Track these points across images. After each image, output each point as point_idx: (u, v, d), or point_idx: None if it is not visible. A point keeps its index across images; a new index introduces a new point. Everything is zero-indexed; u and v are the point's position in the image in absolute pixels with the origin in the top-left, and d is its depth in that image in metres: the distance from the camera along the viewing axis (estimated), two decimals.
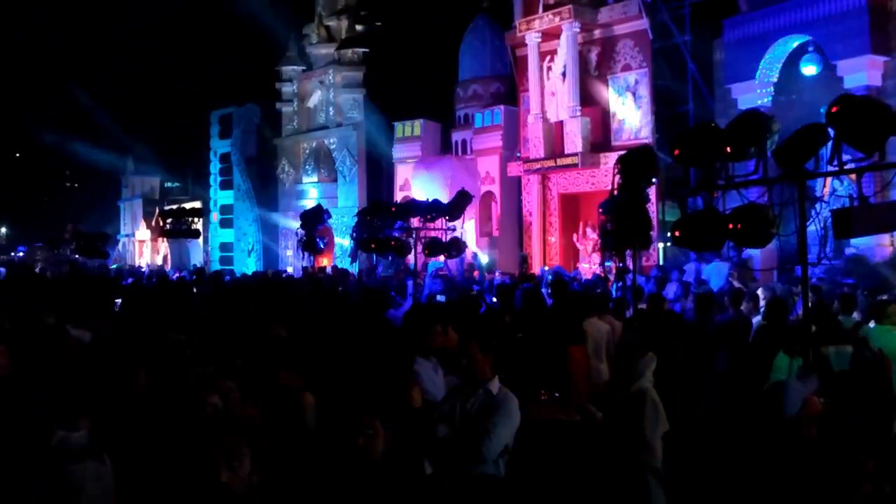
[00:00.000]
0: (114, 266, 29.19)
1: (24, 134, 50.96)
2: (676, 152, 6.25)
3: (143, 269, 29.44)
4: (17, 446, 4.17)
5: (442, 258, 16.80)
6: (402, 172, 26.63)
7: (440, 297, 16.08)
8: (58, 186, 65.61)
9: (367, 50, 28.21)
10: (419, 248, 14.74)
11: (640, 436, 5.21)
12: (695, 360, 7.57)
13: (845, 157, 5.36)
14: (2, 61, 51.41)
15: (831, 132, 5.28)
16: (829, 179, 12.28)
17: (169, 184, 41.40)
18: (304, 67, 30.13)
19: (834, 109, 5.17)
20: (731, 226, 5.63)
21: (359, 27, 28.87)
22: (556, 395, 7.54)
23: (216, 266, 30.86)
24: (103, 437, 4.23)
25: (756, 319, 9.04)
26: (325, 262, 25.75)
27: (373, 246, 16.62)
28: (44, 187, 64.19)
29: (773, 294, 10.13)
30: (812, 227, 5.78)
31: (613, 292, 12.21)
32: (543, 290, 12.77)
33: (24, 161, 62.08)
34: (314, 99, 29.92)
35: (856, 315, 8.69)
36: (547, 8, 20.92)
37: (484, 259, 23.06)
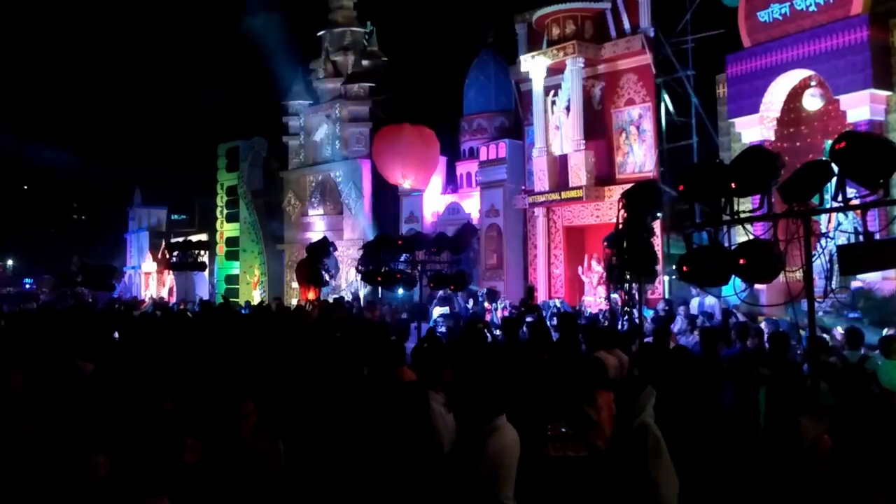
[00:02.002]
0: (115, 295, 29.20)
1: (32, 166, 51.40)
2: (681, 188, 6.30)
3: (142, 299, 29.51)
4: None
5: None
6: (408, 205, 26.77)
7: (441, 329, 16.10)
8: (65, 218, 65.95)
9: (373, 84, 28.55)
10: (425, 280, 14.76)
11: (643, 471, 5.17)
12: (702, 396, 7.53)
13: (850, 193, 5.40)
14: (10, 92, 52.06)
15: (835, 168, 5.32)
16: (833, 214, 12.30)
17: (175, 216, 41.60)
18: (310, 102, 30.48)
19: (838, 146, 5.22)
20: (736, 261, 5.65)
21: (365, 62, 29.27)
22: (563, 430, 7.51)
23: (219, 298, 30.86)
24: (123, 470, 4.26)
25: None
26: (310, 294, 25.75)
27: (379, 279, 16.66)
28: (51, 219, 64.54)
29: (777, 328, 10.12)
30: (817, 263, 5.79)
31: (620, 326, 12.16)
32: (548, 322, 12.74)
33: (32, 193, 62.55)
34: (320, 132, 30.19)
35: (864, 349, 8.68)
36: (551, 43, 21.17)
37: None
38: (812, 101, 16.18)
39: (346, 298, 23.79)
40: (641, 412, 5.35)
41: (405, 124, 23.39)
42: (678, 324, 13.25)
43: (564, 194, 20.74)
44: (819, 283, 8.92)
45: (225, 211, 33.67)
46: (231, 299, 28.34)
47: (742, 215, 5.90)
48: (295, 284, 28.88)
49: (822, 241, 6.03)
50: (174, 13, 52.67)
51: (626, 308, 10.86)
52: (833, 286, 11.54)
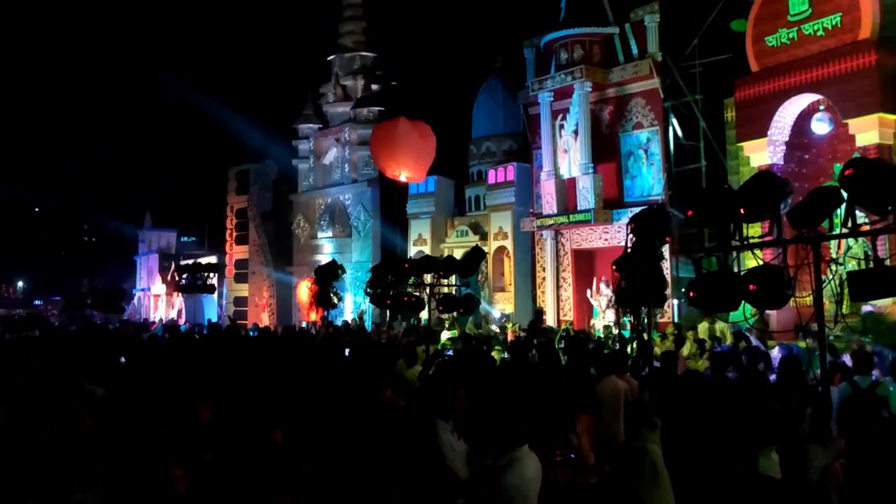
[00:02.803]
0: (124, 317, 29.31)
1: (43, 189, 51.86)
2: (690, 213, 6.31)
3: (153, 321, 29.61)
4: None
5: None
6: (416, 228, 26.84)
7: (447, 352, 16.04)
8: (75, 241, 66.32)
9: (382, 108, 28.74)
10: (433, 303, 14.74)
11: (636, 494, 5.15)
12: (712, 420, 7.48)
13: (860, 217, 5.40)
14: (24, 116, 52.62)
15: (844, 194, 5.32)
16: (843, 239, 12.28)
17: (185, 238, 41.81)
18: (320, 125, 30.71)
19: (847, 172, 5.22)
20: (746, 287, 5.64)
21: (374, 86, 29.51)
22: (572, 455, 7.47)
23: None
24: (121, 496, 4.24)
25: (772, 378, 8.96)
26: (312, 315, 25.87)
27: (388, 302, 16.67)
28: (61, 242, 64.92)
29: (790, 353, 10.07)
30: (827, 289, 5.77)
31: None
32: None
33: (43, 216, 62.99)
34: (330, 156, 30.38)
35: (875, 373, 8.60)
36: (559, 68, 21.30)
37: (497, 314, 23.05)
38: (820, 125, 16.20)
39: (351, 320, 23.83)
40: (642, 437, 5.35)
41: (401, 118, 23.54)
42: (688, 348, 13.19)
43: (573, 217, 20.75)
44: (829, 307, 8.88)
45: (234, 233, 33.82)
46: (239, 321, 28.42)
47: (751, 240, 5.90)
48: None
49: (832, 267, 6.01)
50: (185, 37, 53.27)
51: (635, 332, 10.82)
52: (843, 311, 11.48)
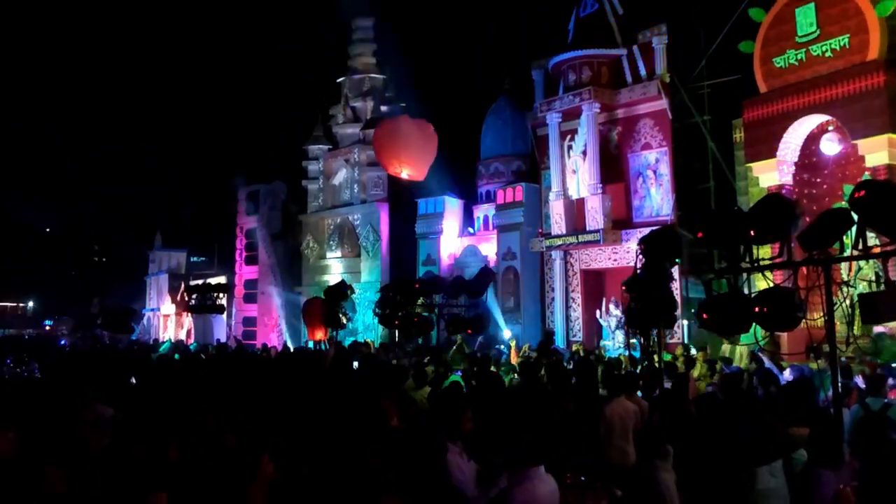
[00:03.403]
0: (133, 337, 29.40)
1: (54, 210, 52.28)
2: (700, 235, 6.31)
3: (161, 341, 29.63)
4: None
5: None
6: (425, 247, 26.89)
7: (455, 375, 16.00)
8: (86, 261, 66.65)
9: None
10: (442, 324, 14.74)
11: None
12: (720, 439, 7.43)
13: (871, 239, 5.39)
14: (36, 136, 53.15)
15: (855, 217, 5.32)
16: (854, 262, 12.23)
17: (195, 258, 41.97)
18: (329, 146, 30.92)
19: (858, 194, 5.22)
20: (757, 309, 5.62)
21: (383, 108, 29.71)
22: (583, 478, 7.42)
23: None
24: None
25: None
26: (318, 335, 25.82)
27: (396, 322, 16.66)
28: (72, 262, 65.25)
29: (801, 374, 10.00)
30: (839, 310, 5.75)
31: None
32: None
33: (53, 236, 63.41)
34: (339, 177, 30.55)
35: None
36: (567, 89, 21.41)
37: (507, 334, 22.98)
38: (830, 146, 16.20)
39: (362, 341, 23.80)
40: (653, 467, 5.33)
41: (404, 116, 23.68)
42: (698, 369, 13.11)
43: (581, 238, 20.76)
44: (840, 329, 8.83)
45: (244, 254, 33.95)
46: (247, 341, 28.47)
47: (762, 262, 5.89)
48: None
49: (844, 289, 6.00)
50: (197, 59, 53.78)
51: (646, 353, 10.78)
52: (855, 332, 11.41)
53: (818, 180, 16.93)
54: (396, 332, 19.19)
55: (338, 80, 31.07)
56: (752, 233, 5.72)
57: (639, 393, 9.04)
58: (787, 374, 10.54)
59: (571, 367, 14.30)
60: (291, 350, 21.46)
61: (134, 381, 12.27)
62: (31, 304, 67.02)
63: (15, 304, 67.90)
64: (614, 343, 19.30)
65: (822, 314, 5.59)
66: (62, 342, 34.73)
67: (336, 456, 5.37)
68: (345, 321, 19.88)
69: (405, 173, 23.88)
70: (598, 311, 21.21)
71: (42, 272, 61.33)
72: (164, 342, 28.34)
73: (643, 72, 20.44)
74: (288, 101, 30.37)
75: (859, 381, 10.84)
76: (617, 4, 21.50)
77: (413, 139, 22.92)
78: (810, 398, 7.74)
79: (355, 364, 14.93)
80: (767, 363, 12.23)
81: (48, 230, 64.32)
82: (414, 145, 23.01)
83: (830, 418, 6.21)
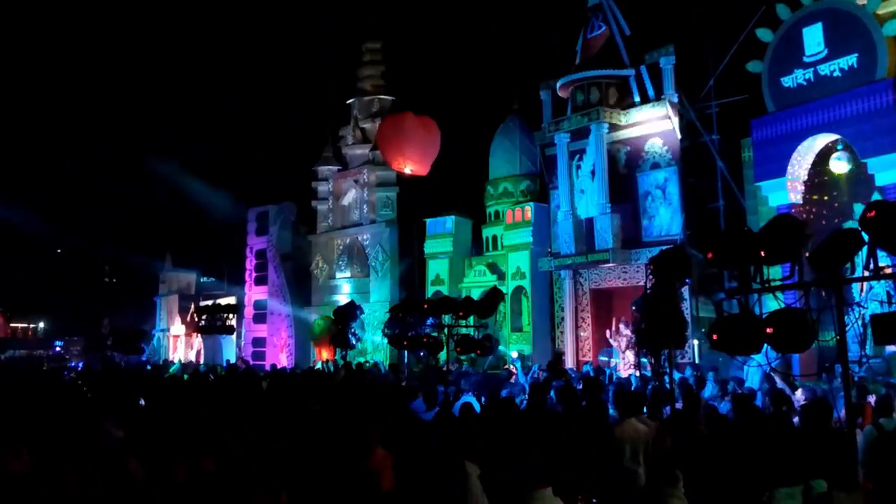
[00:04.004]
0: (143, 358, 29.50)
1: (65, 230, 52.57)
2: (710, 255, 6.30)
3: (171, 361, 29.73)
4: None
5: None
6: (434, 267, 26.91)
7: (468, 397, 15.94)
8: (96, 281, 66.94)
9: None
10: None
11: None
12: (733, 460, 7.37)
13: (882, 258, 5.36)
14: (46, 159, 53.63)
15: (865, 237, 5.30)
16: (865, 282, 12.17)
17: (205, 279, 42.12)
18: (339, 167, 31.12)
19: (868, 215, 5.21)
20: (768, 330, 5.60)
21: None
22: (594, 500, 7.38)
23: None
24: None
25: (795, 420, 8.84)
26: (324, 354, 25.94)
27: (405, 343, 16.65)
28: (82, 282, 65.53)
29: (814, 395, 9.93)
30: (851, 332, 5.72)
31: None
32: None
33: (64, 257, 63.72)
34: (349, 197, 30.69)
35: None
36: (575, 109, 21.48)
37: (514, 355, 22.91)
38: (839, 165, 16.16)
39: (372, 361, 23.78)
40: (663, 494, 5.29)
41: (408, 112, 23.80)
42: (709, 389, 13.02)
43: (591, 257, 20.73)
44: (852, 348, 8.78)
45: (254, 274, 34.06)
46: (257, 362, 28.49)
47: (773, 283, 5.88)
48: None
49: (855, 310, 5.97)
50: (208, 81, 54.30)
51: (656, 373, 10.73)
52: (867, 352, 11.34)
53: (828, 199, 16.88)
54: (405, 352, 19.22)
55: (347, 102, 31.32)
56: (762, 253, 5.71)
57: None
58: (800, 395, 10.47)
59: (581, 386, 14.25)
60: (299, 371, 21.44)
61: (143, 402, 12.30)
62: (42, 324, 67.29)
63: (26, 326, 68.22)
64: (624, 363, 19.19)
65: (833, 334, 5.56)
66: (72, 364, 34.85)
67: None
68: (354, 342, 19.93)
69: (408, 168, 24.04)
70: (607, 332, 21.12)
71: (53, 292, 61.60)
72: (173, 363, 28.42)
73: (651, 92, 20.49)
74: (297, 122, 30.61)
75: (871, 399, 10.77)
76: (624, 25, 21.61)
77: (417, 134, 23.12)
78: (826, 420, 7.69)
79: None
80: (780, 383, 12.15)
81: (59, 251, 64.66)
82: (417, 141, 23.19)
83: (845, 440, 6.16)
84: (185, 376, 19.86)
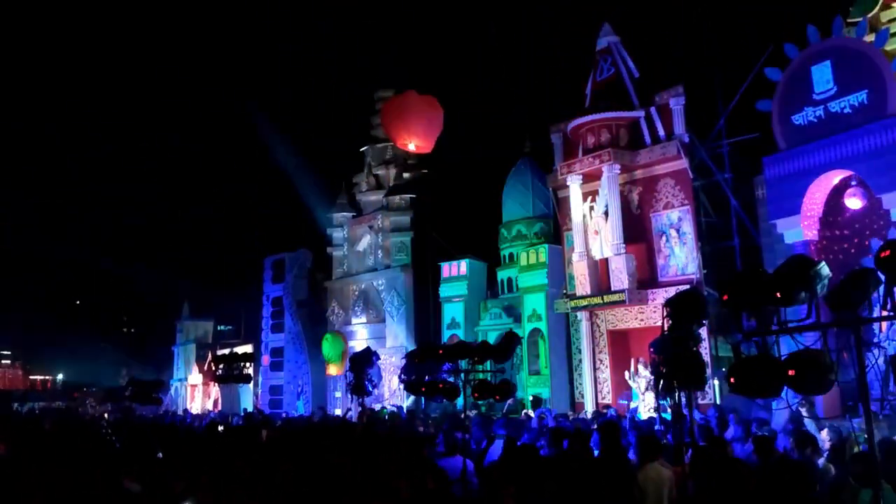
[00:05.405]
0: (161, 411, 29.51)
1: (84, 282, 53.12)
2: (725, 297, 6.25)
3: (188, 414, 29.68)
4: None
5: None
6: (450, 311, 26.89)
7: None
8: (115, 331, 67.30)
9: (414, 195, 29.30)
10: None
11: None
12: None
13: None
14: (61, 212, 54.29)
15: (882, 277, 5.25)
16: (885, 322, 12.03)
17: (222, 327, 42.28)
18: (353, 213, 31.38)
19: (884, 254, 5.17)
20: (787, 372, 5.52)
21: (406, 175, 30.18)
22: None
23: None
24: None
25: (820, 462, 8.68)
26: (332, 370, 25.82)
27: (422, 389, 16.52)
28: (101, 333, 65.91)
29: (839, 436, 9.75)
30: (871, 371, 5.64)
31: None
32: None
33: (83, 308, 64.23)
34: (363, 243, 30.88)
35: None
36: (587, 151, 21.61)
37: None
38: (853, 201, 16.10)
39: (389, 409, 23.62)
40: None
41: (411, 91, 24.02)
42: (731, 431, 12.82)
43: (607, 298, 20.65)
44: (874, 385, 8.65)
45: (270, 322, 34.15)
46: (275, 410, 28.34)
47: (790, 324, 5.81)
48: (338, 394, 28.88)
49: (875, 351, 5.89)
50: (223, 132, 55.14)
51: (676, 416, 10.58)
52: (889, 391, 11.15)
53: (845, 235, 16.77)
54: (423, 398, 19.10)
55: (361, 150, 31.70)
56: (777, 294, 5.66)
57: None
58: (825, 435, 10.27)
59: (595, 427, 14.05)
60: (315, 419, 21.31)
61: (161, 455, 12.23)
62: (60, 376, 67.52)
63: (45, 378, 68.48)
64: (644, 405, 18.96)
65: (854, 377, 5.49)
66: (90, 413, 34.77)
67: None
68: (370, 388, 19.82)
69: (412, 145, 24.20)
70: (626, 373, 20.93)
71: (72, 344, 61.95)
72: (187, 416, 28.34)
73: (662, 132, 20.60)
74: (312, 170, 31.00)
75: None
76: (633, 67, 21.84)
77: (420, 112, 23.34)
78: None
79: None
80: (807, 423, 11.94)
81: (78, 302, 65.21)
82: (421, 117, 23.41)
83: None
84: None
